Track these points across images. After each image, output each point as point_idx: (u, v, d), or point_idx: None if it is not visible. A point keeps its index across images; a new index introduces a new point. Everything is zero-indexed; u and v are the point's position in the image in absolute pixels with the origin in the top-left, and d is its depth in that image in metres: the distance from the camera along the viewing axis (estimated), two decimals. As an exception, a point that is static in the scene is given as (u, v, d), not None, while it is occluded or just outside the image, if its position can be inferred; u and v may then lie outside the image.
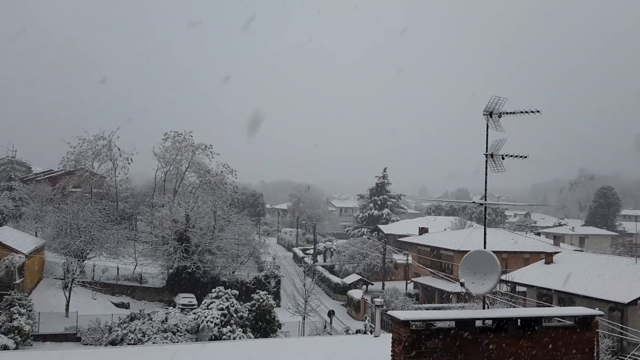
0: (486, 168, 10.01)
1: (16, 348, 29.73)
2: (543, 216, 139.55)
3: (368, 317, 44.40)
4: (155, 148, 68.45)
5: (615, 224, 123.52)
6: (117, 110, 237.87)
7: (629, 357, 33.92)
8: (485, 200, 10.43)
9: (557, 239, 63.19)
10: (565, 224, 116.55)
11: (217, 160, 68.66)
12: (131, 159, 68.63)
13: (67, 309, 40.05)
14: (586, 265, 42.66)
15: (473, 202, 11.71)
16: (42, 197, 63.49)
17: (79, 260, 43.98)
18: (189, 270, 49.79)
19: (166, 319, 32.16)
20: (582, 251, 58.13)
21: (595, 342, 9.54)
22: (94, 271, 48.00)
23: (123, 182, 71.54)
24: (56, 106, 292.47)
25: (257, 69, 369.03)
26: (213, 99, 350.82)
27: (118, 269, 50.43)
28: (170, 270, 51.18)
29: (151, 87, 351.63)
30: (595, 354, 9.32)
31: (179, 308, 39.10)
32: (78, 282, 42.43)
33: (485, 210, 10.67)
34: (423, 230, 66.57)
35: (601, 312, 9.53)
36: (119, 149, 68.54)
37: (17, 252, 41.03)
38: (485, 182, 10.06)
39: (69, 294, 40.82)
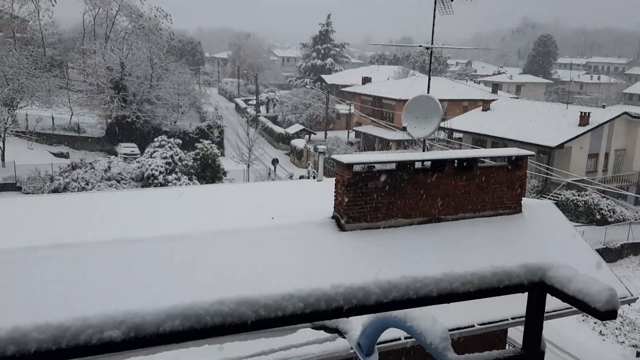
0: (434, 9, 9.77)
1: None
2: (483, 65, 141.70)
3: (311, 164, 45.75)
4: (80, -12, 62.80)
5: (551, 72, 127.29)
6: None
7: (551, 195, 37.01)
8: (432, 43, 10.34)
9: (495, 86, 64.77)
10: (504, 73, 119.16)
11: (149, 3, 64.00)
12: (55, 0, 63.00)
13: (2, 159, 39.03)
14: (520, 112, 44.53)
15: (420, 45, 11.60)
16: (-41, 42, 58.44)
17: (9, 109, 41.96)
18: (129, 120, 48.72)
19: (109, 167, 31.93)
20: (517, 98, 60.25)
21: (524, 180, 10.25)
22: (27, 120, 46.16)
23: (48, 26, 66.32)
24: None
25: None
26: None
27: (53, 118, 48.67)
28: (109, 120, 49.92)
29: None
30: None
31: (121, 157, 38.79)
32: (11, 131, 40.89)
33: (431, 54, 10.63)
34: (366, 80, 66.58)
35: (532, 153, 10.12)
36: (40, -11, 62.47)
37: (-61, 101, 38.63)
38: (433, 25, 9.88)
39: (3, 144, 39.50)
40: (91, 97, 50.69)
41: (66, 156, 44.26)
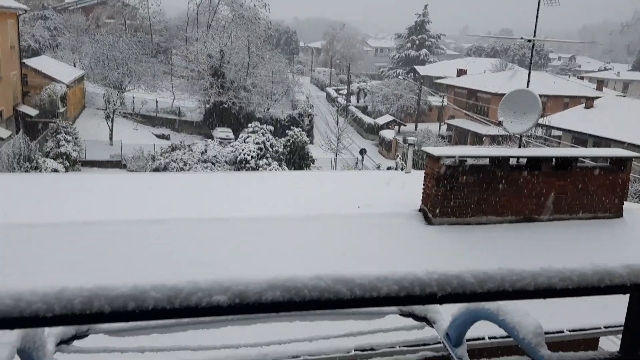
0: (539, 0, 9.35)
1: (66, 172, 31.50)
2: (588, 60, 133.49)
3: (399, 156, 45.34)
4: (184, -23, 65.81)
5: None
6: None
7: (657, 202, 34.37)
8: (534, 36, 9.91)
9: (600, 83, 60.82)
10: (610, 69, 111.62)
11: (249, -8, 66.01)
12: (163, -11, 66.55)
13: (110, 138, 41.78)
14: (627, 111, 41.66)
15: (521, 38, 11.14)
16: (77, 28, 63.14)
17: (118, 92, 44.80)
18: (225, 106, 50.53)
19: (205, 150, 33.32)
20: (624, 97, 56.31)
21: (627, 184, 9.62)
22: (133, 103, 49.11)
23: (156, 14, 70.12)
24: None
25: None
26: None
27: (157, 101, 51.45)
28: (207, 105, 52.03)
29: None
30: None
31: (217, 141, 40.32)
32: (119, 113, 43.63)
33: (533, 47, 10.18)
34: (461, 72, 64.76)
35: (637, 154, 9.47)
36: (149, -22, 66.17)
37: (58, 81, 41.84)
38: (537, 16, 9.46)
39: (112, 123, 42.25)
40: (192, 83, 53.04)
41: (167, 138, 46.66)
